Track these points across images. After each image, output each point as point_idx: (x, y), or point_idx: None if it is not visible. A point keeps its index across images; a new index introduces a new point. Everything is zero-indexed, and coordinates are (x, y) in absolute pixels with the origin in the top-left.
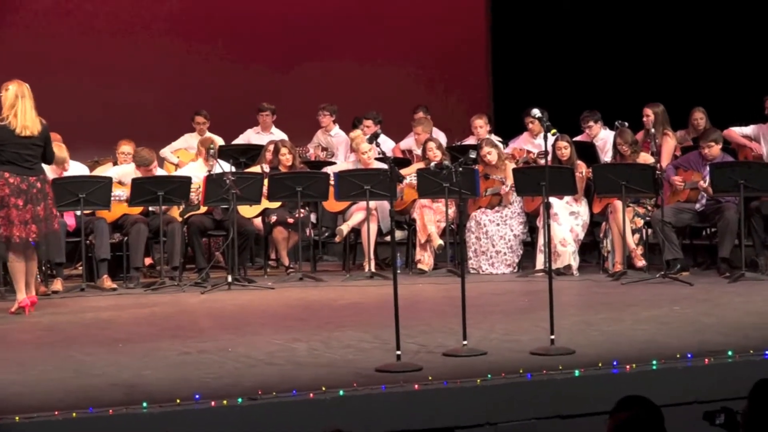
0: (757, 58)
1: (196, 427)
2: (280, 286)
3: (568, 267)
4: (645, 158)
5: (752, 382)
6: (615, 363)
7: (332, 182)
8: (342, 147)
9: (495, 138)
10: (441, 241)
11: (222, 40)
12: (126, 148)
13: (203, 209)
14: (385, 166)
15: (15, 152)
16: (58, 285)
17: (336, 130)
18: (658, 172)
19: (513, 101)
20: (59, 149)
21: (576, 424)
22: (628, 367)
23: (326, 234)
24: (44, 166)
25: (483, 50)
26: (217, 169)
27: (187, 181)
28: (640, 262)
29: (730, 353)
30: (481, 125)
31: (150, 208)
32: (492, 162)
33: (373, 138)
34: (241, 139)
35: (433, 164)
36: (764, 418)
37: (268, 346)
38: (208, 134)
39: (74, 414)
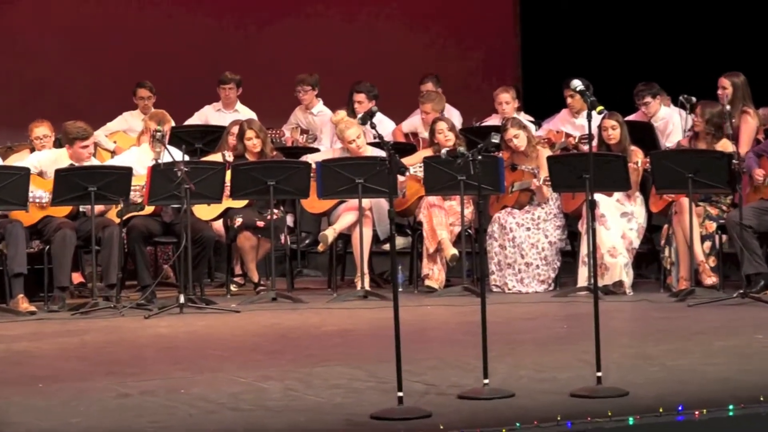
0: None
1: None
2: (247, 308)
3: (620, 284)
4: (725, 145)
5: None
6: (680, 408)
7: (314, 174)
8: (327, 129)
9: (525, 117)
10: (455, 251)
11: None
12: (42, 130)
13: (148, 209)
14: (382, 153)
15: None
16: None
17: (319, 107)
18: (735, 161)
19: (548, 70)
20: None
21: None
22: (696, 413)
23: (307, 241)
24: None
25: (510, 3)
26: (165, 158)
27: (126, 172)
28: (712, 278)
29: None
30: (507, 101)
31: (80, 209)
32: (520, 148)
33: (367, 117)
34: (196, 119)
35: (444, 151)
36: None
37: (232, 385)
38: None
39: None
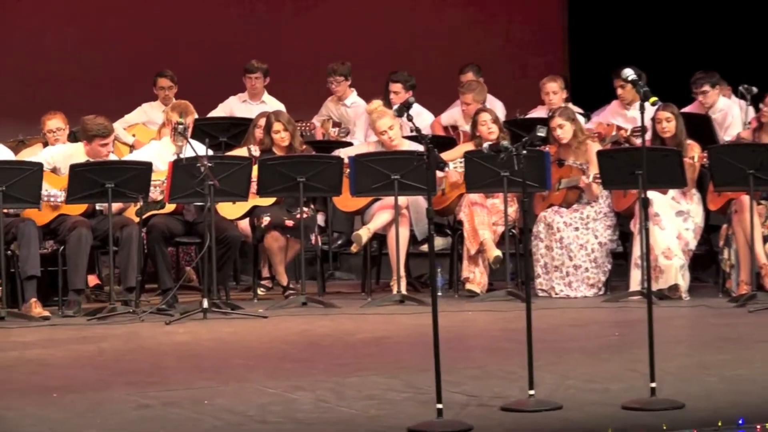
0: None
1: None
2: (276, 313)
3: (675, 288)
4: None
5: None
6: (741, 421)
7: (347, 170)
8: (361, 121)
9: (573, 109)
10: (498, 252)
11: None
12: (55, 123)
13: (169, 208)
14: (420, 147)
15: None
16: None
17: (353, 98)
18: None
19: (598, 59)
20: None
21: None
22: (758, 426)
23: (339, 242)
24: None
25: None
26: (188, 152)
27: (146, 168)
28: None
29: None
30: (554, 90)
31: (96, 207)
32: (563, 140)
33: (404, 109)
34: (221, 111)
35: (486, 145)
36: None
37: (259, 396)
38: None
39: None
